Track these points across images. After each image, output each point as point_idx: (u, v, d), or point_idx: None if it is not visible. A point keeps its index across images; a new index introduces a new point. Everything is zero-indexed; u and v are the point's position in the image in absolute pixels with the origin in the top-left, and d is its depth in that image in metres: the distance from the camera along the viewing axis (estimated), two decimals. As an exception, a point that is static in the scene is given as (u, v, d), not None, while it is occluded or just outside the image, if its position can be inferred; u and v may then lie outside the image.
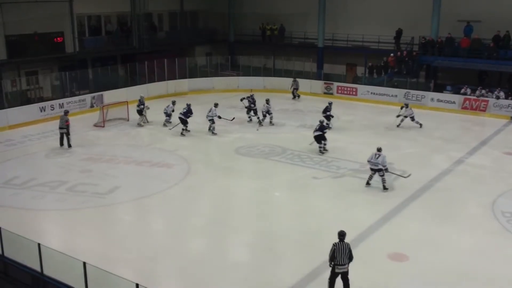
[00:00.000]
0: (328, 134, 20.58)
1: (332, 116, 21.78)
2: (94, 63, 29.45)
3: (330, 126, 20.74)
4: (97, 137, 20.70)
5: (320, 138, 18.39)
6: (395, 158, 17.87)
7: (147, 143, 19.88)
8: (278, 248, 11.89)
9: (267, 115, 22.44)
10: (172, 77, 29.03)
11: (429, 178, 16.21)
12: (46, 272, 9.69)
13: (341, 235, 9.75)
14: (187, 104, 21.12)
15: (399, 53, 28.91)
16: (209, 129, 20.98)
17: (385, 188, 15.11)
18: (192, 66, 31.42)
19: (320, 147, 18.44)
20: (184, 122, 20.74)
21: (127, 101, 23.18)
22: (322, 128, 18.43)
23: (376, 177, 15.21)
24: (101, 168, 16.82)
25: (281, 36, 35.00)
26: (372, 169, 15.28)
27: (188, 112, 20.82)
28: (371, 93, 27.43)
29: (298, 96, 28.20)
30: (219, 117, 20.86)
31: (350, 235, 12.15)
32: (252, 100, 23.01)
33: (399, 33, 29.75)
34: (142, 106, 22.17)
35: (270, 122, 22.53)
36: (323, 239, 12.21)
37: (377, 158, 15.12)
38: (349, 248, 9.70)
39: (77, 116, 23.46)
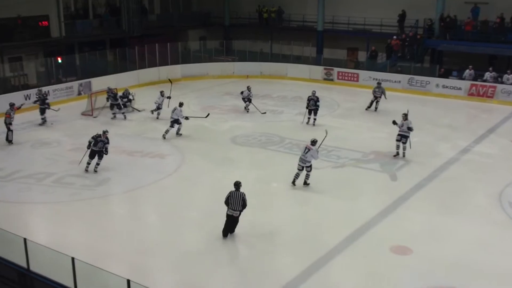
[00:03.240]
0: (329, 122, 20.64)
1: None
2: (81, 48, 29.31)
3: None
4: (85, 126, 20.60)
5: None
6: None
7: (138, 132, 19.83)
8: (277, 240, 11.92)
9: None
10: (164, 62, 28.89)
11: (435, 167, 16.25)
12: (33, 268, 9.68)
13: (236, 184, 11.63)
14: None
15: (404, 35, 28.82)
16: (177, 132, 19.20)
17: (306, 184, 14.76)
18: (185, 51, 31.30)
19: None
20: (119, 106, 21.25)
21: (116, 88, 23.04)
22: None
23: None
24: (90, 159, 16.78)
25: (279, 19, 34.85)
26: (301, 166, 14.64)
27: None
28: (373, 79, 27.38)
29: (376, 109, 22.88)
30: (186, 118, 19.06)
31: (351, 227, 12.29)
32: (112, 94, 21.49)
33: (402, 15, 29.66)
34: (125, 100, 22.09)
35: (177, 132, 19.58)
36: (323, 231, 12.31)
37: (306, 153, 14.49)
38: (243, 197, 11.52)
39: (64, 105, 23.34)
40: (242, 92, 22.60)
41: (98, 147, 15.43)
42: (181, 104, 19.21)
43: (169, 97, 21.31)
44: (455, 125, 21.10)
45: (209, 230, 12.28)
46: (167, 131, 18.95)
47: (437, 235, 12.07)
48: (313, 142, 14.51)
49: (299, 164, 14.60)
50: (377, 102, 22.77)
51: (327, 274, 10.55)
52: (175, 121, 18.93)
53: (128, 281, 8.19)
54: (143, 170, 15.94)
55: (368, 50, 30.38)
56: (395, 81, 26.81)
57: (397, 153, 16.98)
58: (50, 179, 15.15)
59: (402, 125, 16.72)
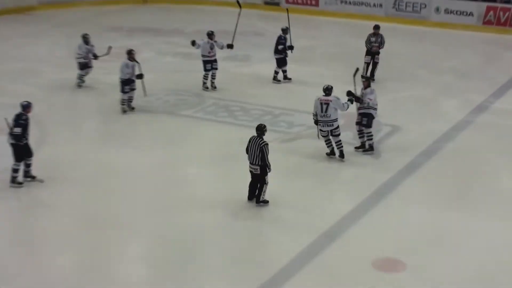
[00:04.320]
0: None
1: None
2: None
3: None
4: None
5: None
6: (385, 106, 17.98)
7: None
8: (196, 259, 11.77)
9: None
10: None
11: (436, 136, 16.62)
12: None
13: (257, 128, 12.63)
14: None
15: None
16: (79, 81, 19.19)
17: (342, 156, 15.22)
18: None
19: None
20: None
21: None
22: None
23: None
24: None
25: None
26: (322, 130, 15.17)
27: None
28: (341, 1, 27.59)
29: (372, 76, 20.41)
30: (95, 57, 18.79)
31: (314, 232, 12.34)
32: None
33: None
34: None
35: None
36: (274, 240, 12.38)
37: (326, 110, 14.75)
38: (261, 148, 12.29)
39: None
40: (194, 43, 19.69)
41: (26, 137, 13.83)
42: (129, 53, 17.89)
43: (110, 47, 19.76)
44: (464, 71, 21.59)
45: (91, 245, 12.04)
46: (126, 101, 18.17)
47: (441, 241, 12.25)
48: (327, 90, 14.80)
49: (321, 130, 15.05)
50: (375, 63, 20.64)
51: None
52: (126, 83, 17.81)
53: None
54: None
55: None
56: (374, 5, 27.16)
57: (362, 144, 15.84)
58: None
59: (363, 95, 15.60)
